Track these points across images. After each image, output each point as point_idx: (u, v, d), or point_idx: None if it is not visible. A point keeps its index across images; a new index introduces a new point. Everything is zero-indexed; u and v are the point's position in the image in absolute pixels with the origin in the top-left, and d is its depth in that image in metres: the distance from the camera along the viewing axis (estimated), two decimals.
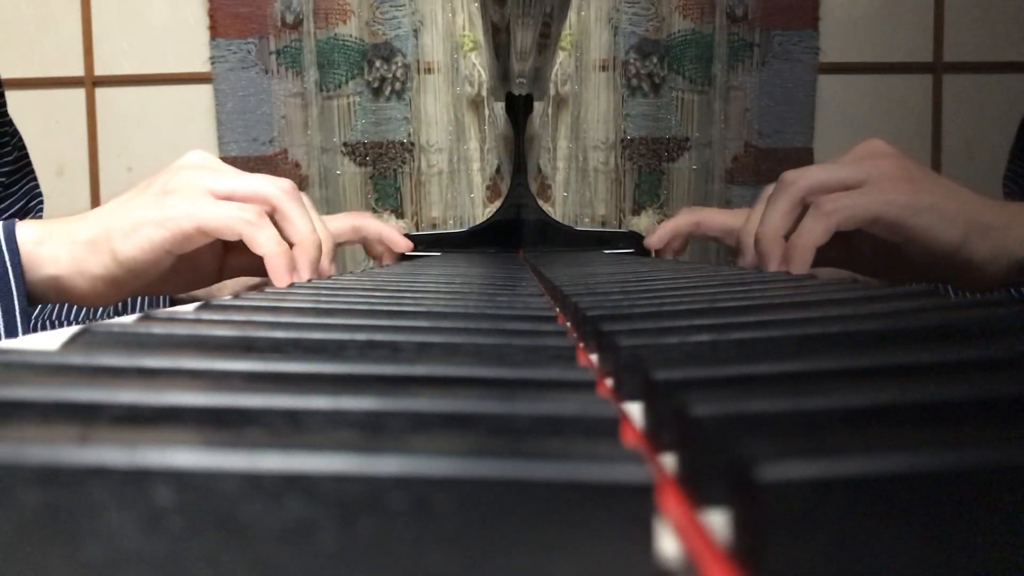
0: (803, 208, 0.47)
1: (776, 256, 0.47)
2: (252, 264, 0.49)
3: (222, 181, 0.47)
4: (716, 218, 0.71)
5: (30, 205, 0.68)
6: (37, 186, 0.69)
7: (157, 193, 0.46)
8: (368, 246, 0.73)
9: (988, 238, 0.43)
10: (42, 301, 0.47)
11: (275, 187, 0.49)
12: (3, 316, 0.43)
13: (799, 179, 0.47)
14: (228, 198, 0.46)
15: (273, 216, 0.48)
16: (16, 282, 0.43)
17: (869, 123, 1.24)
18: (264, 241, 0.46)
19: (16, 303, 0.43)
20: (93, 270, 0.45)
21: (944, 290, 0.49)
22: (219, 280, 0.56)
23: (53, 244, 0.45)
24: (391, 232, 0.71)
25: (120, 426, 0.12)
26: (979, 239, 0.43)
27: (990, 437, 0.10)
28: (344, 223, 0.70)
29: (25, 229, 0.45)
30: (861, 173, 0.45)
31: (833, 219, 0.44)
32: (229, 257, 0.54)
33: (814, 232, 0.45)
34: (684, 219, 0.71)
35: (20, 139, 0.67)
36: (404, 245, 0.71)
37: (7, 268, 0.43)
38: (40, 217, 0.69)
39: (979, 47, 1.23)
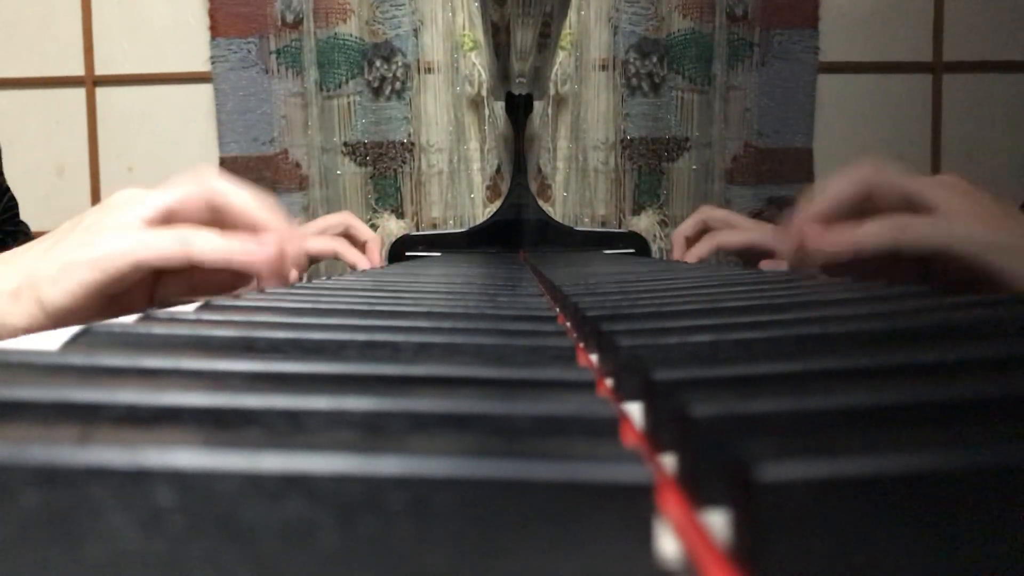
0: (857, 204, 0.43)
1: (814, 237, 0.43)
2: (185, 288, 0.45)
3: (150, 204, 0.42)
4: (732, 239, 0.71)
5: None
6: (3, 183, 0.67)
7: (84, 233, 0.41)
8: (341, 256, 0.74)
9: None
10: None
11: (208, 183, 0.43)
12: None
13: (870, 168, 0.43)
14: (167, 219, 0.42)
15: (225, 220, 0.43)
16: None
17: (869, 123, 1.24)
18: (209, 248, 0.40)
19: None
20: (16, 322, 0.39)
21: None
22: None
23: None
24: (355, 259, 0.72)
25: (120, 426, 0.12)
26: None
27: (990, 437, 0.10)
28: (324, 244, 0.71)
29: None
30: (937, 200, 0.42)
31: (902, 234, 0.40)
32: (158, 288, 0.48)
33: (870, 235, 0.41)
34: (704, 246, 0.72)
35: None
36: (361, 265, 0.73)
37: None
38: (15, 216, 0.66)
39: (979, 47, 1.23)
